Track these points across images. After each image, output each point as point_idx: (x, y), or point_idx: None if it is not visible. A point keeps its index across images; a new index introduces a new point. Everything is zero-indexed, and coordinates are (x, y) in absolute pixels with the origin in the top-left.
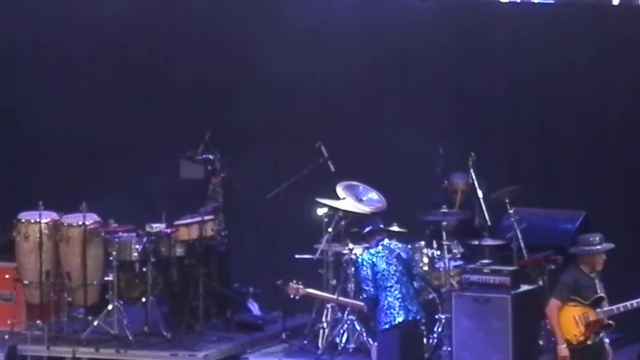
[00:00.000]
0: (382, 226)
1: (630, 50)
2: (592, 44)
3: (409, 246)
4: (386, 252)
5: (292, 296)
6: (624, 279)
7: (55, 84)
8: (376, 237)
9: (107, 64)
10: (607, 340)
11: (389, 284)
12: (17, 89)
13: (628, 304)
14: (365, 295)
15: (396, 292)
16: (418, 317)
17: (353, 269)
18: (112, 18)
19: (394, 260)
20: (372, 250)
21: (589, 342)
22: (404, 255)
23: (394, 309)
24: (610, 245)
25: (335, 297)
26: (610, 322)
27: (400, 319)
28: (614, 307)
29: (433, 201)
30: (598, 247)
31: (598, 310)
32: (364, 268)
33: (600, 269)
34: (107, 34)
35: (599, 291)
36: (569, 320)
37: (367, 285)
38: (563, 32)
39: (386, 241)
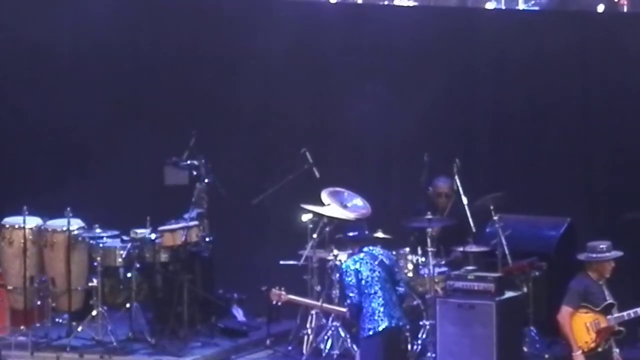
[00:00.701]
0: (367, 232)
1: (616, 58)
2: (578, 51)
3: (393, 252)
4: (369, 258)
5: (274, 302)
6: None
7: (40, 88)
8: (360, 243)
9: (92, 68)
10: (616, 350)
11: (372, 291)
12: (1, 93)
13: (639, 309)
14: (349, 302)
15: (380, 298)
16: (401, 324)
17: (337, 275)
18: (98, 21)
19: (377, 266)
20: (356, 257)
21: (599, 349)
22: (386, 261)
23: (378, 316)
24: (619, 253)
25: (317, 303)
26: (621, 328)
27: (383, 326)
28: (624, 313)
29: (415, 208)
30: (607, 254)
31: (609, 317)
32: (348, 275)
33: (608, 276)
34: (93, 37)
35: (607, 298)
36: (580, 327)
37: (352, 292)
38: (548, 39)
39: (370, 248)
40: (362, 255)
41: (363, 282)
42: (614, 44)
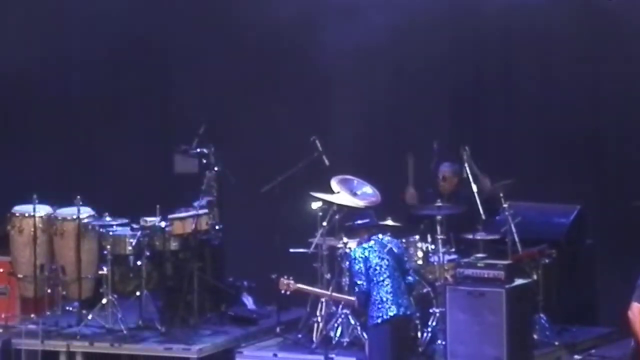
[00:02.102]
0: (375, 220)
1: (626, 46)
2: (587, 38)
3: (403, 240)
4: (378, 246)
5: (283, 291)
6: (618, 273)
7: (50, 75)
8: (369, 231)
9: (101, 57)
10: None
11: (381, 279)
12: (10, 82)
13: None
14: (358, 289)
15: (388, 286)
16: (409, 312)
17: (347, 263)
18: (105, 7)
19: (386, 255)
20: (365, 245)
21: None
22: (395, 250)
23: (386, 304)
24: None
25: (327, 292)
26: None
27: (392, 314)
28: None
29: (425, 193)
30: None
31: None
32: (357, 263)
33: None
34: (101, 23)
35: None
36: None
37: (360, 280)
38: (557, 26)
39: (379, 236)
40: (371, 243)
41: (372, 270)
42: (625, 32)
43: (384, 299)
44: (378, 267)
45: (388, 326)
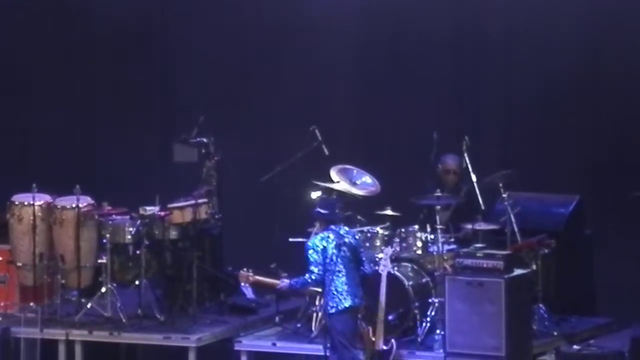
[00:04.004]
0: (337, 212)
1: (626, 36)
2: (588, 27)
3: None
4: (335, 237)
5: (242, 284)
6: (617, 263)
7: (49, 66)
8: (329, 222)
9: (101, 47)
10: None
11: (337, 269)
12: (11, 74)
13: None
14: (313, 278)
15: (344, 277)
16: (363, 303)
17: (311, 251)
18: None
19: (343, 246)
20: (323, 235)
21: None
22: (352, 241)
23: (341, 295)
24: None
25: (280, 282)
26: None
27: (347, 304)
28: None
29: (424, 187)
30: None
31: None
32: (314, 252)
33: None
34: (107, 14)
35: None
36: None
37: (316, 268)
38: (559, 15)
39: (337, 227)
40: (328, 233)
41: (328, 260)
42: (627, 19)
43: (340, 290)
44: (335, 258)
45: (341, 316)
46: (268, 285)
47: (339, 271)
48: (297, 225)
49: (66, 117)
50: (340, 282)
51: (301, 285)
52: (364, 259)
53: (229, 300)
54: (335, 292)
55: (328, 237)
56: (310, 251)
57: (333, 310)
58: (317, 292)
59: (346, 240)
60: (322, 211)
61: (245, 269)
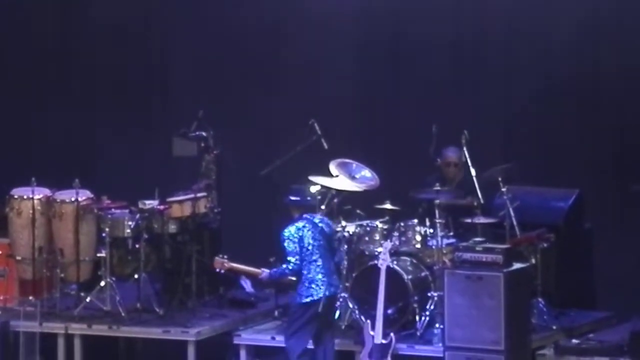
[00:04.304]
0: (309, 198)
1: (628, 27)
2: (588, 21)
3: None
4: (311, 226)
5: (217, 270)
6: (616, 257)
7: (48, 59)
8: (302, 209)
9: (101, 42)
10: None
11: (313, 258)
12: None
13: None
14: (290, 268)
15: (320, 267)
16: (338, 291)
17: (287, 242)
18: None
19: (319, 234)
20: (298, 224)
21: None
22: (326, 229)
23: (317, 284)
24: None
25: (257, 270)
26: None
27: (322, 294)
28: None
29: (424, 182)
30: None
31: None
32: (291, 242)
33: None
34: (102, 13)
35: None
36: None
37: (293, 258)
38: (559, 11)
39: (311, 215)
40: (304, 223)
41: (304, 249)
42: (627, 12)
43: (316, 279)
44: (311, 247)
45: (315, 307)
46: (245, 273)
47: (315, 260)
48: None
49: (65, 111)
50: (316, 272)
51: (279, 275)
52: (336, 246)
53: (228, 294)
54: (311, 282)
55: (304, 226)
56: (287, 241)
57: (308, 300)
58: (294, 281)
59: (321, 228)
60: (293, 198)
61: (220, 255)
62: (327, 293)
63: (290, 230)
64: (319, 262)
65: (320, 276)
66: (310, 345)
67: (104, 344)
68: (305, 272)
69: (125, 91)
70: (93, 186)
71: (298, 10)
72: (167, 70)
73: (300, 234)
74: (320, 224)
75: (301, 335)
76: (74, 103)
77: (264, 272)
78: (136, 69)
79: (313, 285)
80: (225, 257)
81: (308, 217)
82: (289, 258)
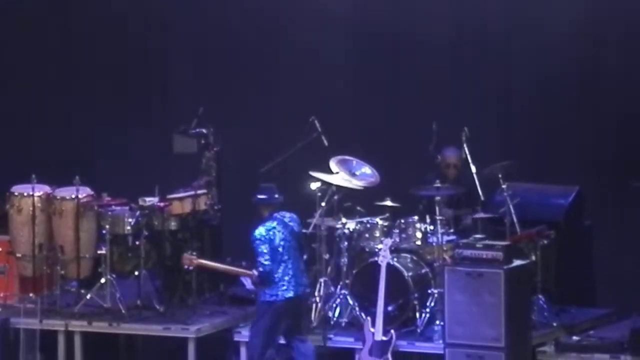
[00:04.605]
0: (277, 196)
1: (626, 28)
2: (588, 19)
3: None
4: (281, 226)
5: (186, 267)
6: (616, 254)
7: (48, 58)
8: (270, 207)
9: (102, 40)
10: None
11: (284, 258)
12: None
13: None
14: (261, 269)
15: (289, 268)
16: (307, 291)
17: (257, 242)
18: None
19: (289, 235)
20: (269, 225)
21: None
22: (296, 228)
23: (285, 284)
24: None
25: (227, 267)
26: None
27: (289, 295)
28: None
29: (424, 179)
30: None
31: None
32: (261, 244)
33: None
34: (104, 10)
35: None
36: None
37: (265, 259)
38: (558, 7)
39: (281, 214)
40: (274, 223)
41: (275, 250)
42: (628, 12)
43: (285, 279)
44: (281, 248)
45: (280, 306)
46: (216, 270)
47: (285, 261)
48: (296, 216)
49: (66, 108)
50: (285, 272)
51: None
52: (304, 244)
53: (228, 291)
54: (279, 281)
55: (274, 227)
56: (257, 242)
57: (273, 299)
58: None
59: (292, 227)
60: (260, 196)
61: (189, 252)
62: (294, 293)
63: (260, 232)
64: (289, 264)
65: (287, 277)
66: (283, 341)
67: (104, 341)
68: (274, 271)
69: (125, 88)
70: (93, 183)
71: (297, 9)
72: (167, 67)
73: (270, 236)
74: (290, 223)
75: (265, 333)
76: (74, 100)
77: (251, 275)
78: (136, 66)
79: (281, 285)
80: (194, 253)
81: (278, 216)
82: (259, 259)
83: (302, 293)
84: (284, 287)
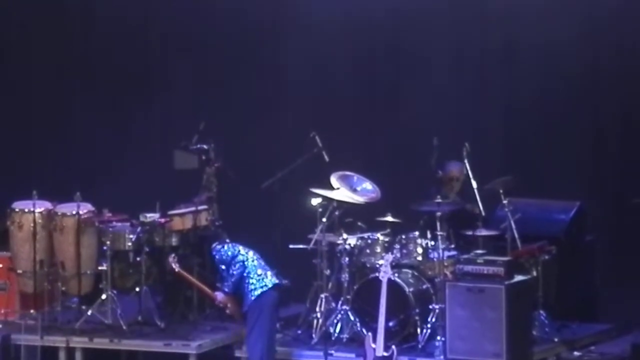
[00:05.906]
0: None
1: (628, 41)
2: (589, 32)
3: (403, 236)
4: (238, 248)
5: (169, 269)
6: (617, 269)
7: (50, 72)
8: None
9: (100, 54)
10: None
11: (247, 271)
12: (8, 75)
13: None
14: (226, 291)
15: (255, 270)
16: (282, 280)
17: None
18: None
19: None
20: (227, 245)
21: None
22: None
23: (262, 276)
24: None
25: (199, 284)
26: None
27: (271, 283)
28: None
29: (426, 193)
30: None
31: None
32: (223, 264)
33: None
34: (103, 15)
35: None
36: None
37: (229, 282)
38: (560, 20)
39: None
40: (229, 243)
41: (239, 265)
42: (627, 20)
43: (259, 274)
44: (245, 263)
45: (269, 293)
46: (191, 284)
47: (252, 262)
48: (297, 232)
49: (66, 124)
50: (255, 274)
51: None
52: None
53: None
54: (259, 277)
55: (234, 245)
56: (220, 264)
57: (259, 292)
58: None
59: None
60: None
61: (172, 256)
62: (279, 281)
63: (221, 253)
64: (254, 269)
65: (261, 270)
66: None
67: (105, 357)
68: (245, 282)
69: (126, 104)
70: (94, 199)
71: (299, 24)
72: (168, 83)
73: (230, 253)
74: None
75: (265, 335)
76: (75, 117)
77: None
78: (137, 82)
79: (258, 280)
80: (176, 257)
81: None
82: (229, 280)
83: (280, 283)
84: (263, 279)
